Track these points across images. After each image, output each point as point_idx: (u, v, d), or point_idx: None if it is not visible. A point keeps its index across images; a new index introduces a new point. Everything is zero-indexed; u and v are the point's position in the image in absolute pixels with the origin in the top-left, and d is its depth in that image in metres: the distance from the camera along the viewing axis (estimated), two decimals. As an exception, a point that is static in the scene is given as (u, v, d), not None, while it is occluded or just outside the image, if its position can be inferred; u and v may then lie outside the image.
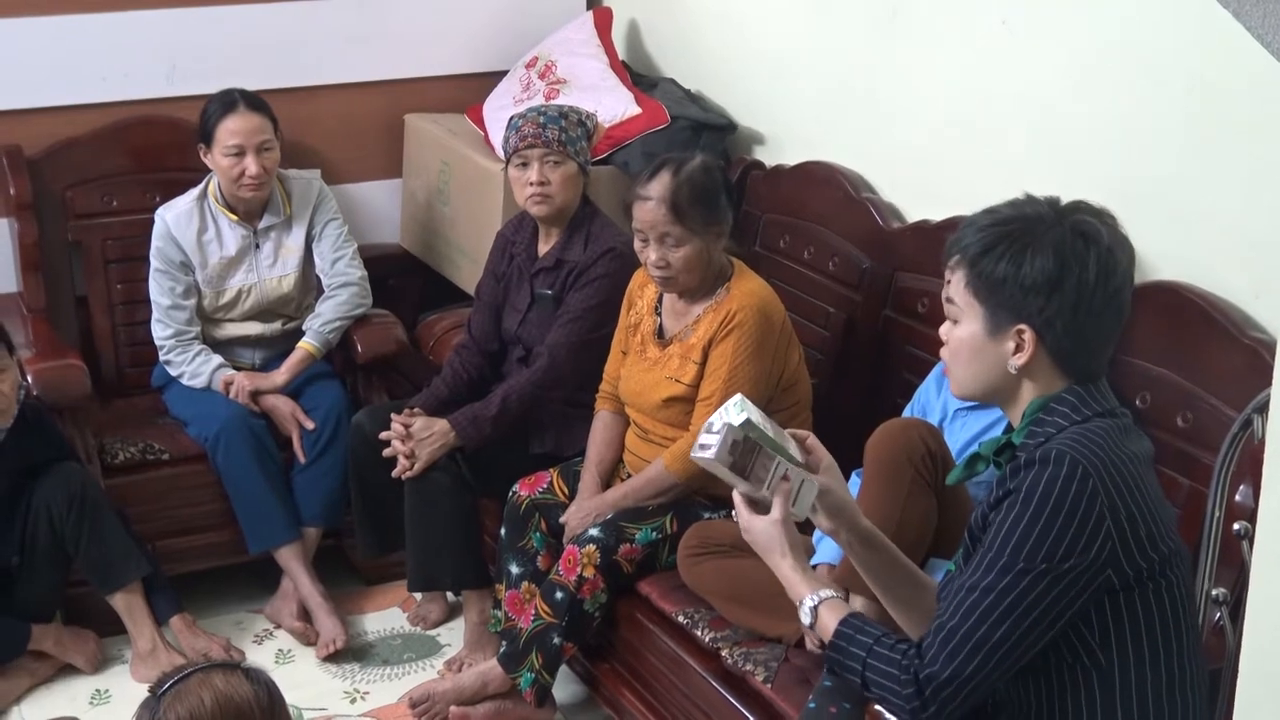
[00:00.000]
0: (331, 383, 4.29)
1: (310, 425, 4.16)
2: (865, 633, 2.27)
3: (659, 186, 3.42)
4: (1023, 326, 2.22)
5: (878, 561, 2.46)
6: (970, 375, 2.31)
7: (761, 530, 2.37)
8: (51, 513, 3.78)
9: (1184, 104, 3.06)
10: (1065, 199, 2.30)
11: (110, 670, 3.95)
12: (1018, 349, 2.23)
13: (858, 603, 2.93)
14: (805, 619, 2.35)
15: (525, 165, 3.83)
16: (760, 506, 2.38)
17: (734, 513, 2.39)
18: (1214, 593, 2.64)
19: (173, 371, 4.23)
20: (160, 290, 4.21)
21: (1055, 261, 2.18)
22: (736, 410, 2.37)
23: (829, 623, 2.31)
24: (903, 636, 2.25)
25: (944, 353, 2.36)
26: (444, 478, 3.85)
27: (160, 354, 4.24)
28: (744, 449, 2.33)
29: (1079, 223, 2.21)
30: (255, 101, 4.17)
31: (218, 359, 4.23)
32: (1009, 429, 2.32)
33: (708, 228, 3.43)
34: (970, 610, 2.16)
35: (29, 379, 3.88)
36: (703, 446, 2.35)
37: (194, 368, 4.20)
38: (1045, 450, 2.17)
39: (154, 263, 4.22)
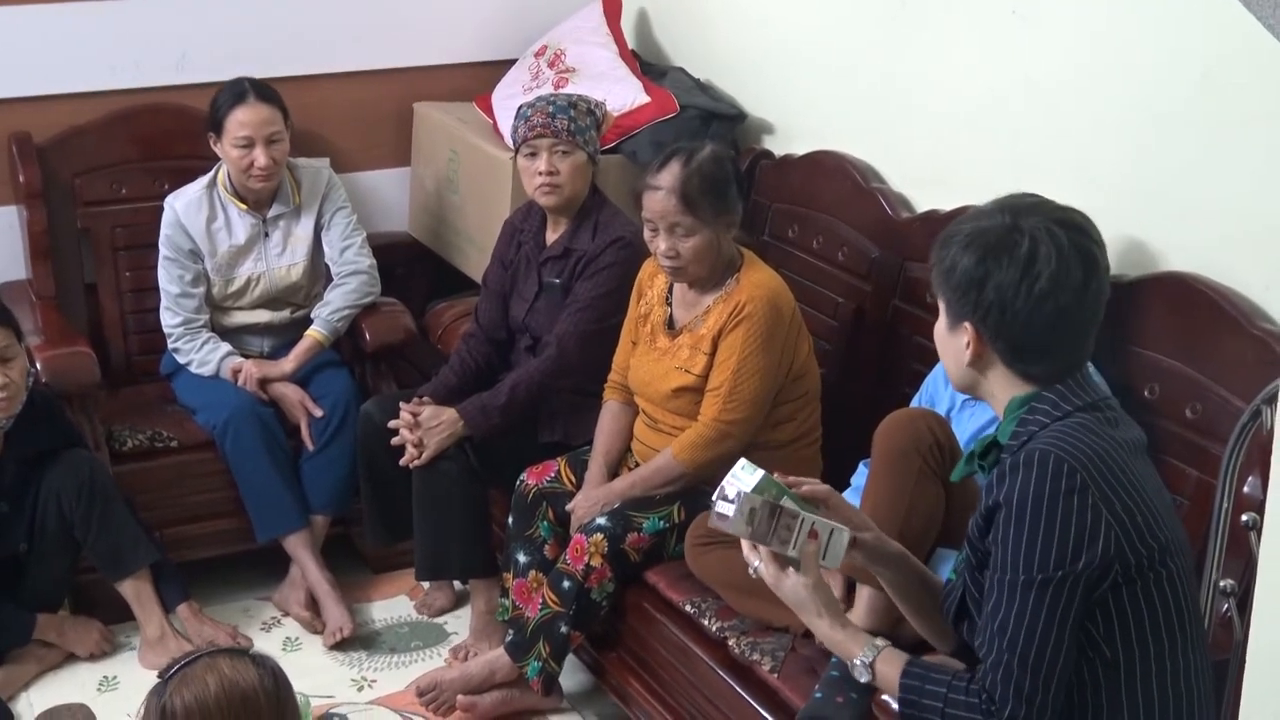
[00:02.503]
0: (339, 371, 4.29)
1: (319, 413, 4.16)
2: (933, 681, 2.26)
3: (669, 176, 3.42)
4: (966, 323, 2.25)
5: (901, 579, 2.47)
6: (947, 366, 2.37)
7: (792, 590, 2.37)
8: (61, 500, 3.79)
9: (1195, 94, 3.05)
10: (1060, 196, 2.31)
11: (118, 657, 3.95)
12: (967, 344, 2.26)
13: (864, 593, 2.94)
14: (861, 677, 2.34)
15: (534, 155, 3.82)
16: (789, 561, 2.37)
17: (758, 567, 2.38)
18: (1222, 584, 2.64)
19: (181, 359, 4.24)
20: (169, 278, 4.21)
21: (976, 261, 2.21)
22: (748, 473, 2.34)
23: (891, 676, 2.31)
24: (970, 678, 2.24)
25: None
26: (453, 467, 3.85)
27: (169, 342, 4.25)
28: (763, 514, 2.31)
29: (1016, 225, 2.22)
30: (265, 92, 4.16)
31: (226, 347, 4.23)
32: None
33: (718, 218, 3.42)
34: (1014, 642, 2.16)
35: (38, 366, 3.89)
36: (720, 516, 2.33)
37: (202, 355, 4.21)
38: (1028, 452, 2.17)
39: (163, 250, 4.22)
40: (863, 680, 2.35)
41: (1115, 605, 2.18)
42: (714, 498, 2.35)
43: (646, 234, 3.48)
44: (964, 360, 2.28)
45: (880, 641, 2.36)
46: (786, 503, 2.34)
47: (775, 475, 2.37)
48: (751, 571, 2.41)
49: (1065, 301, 2.21)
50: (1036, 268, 2.19)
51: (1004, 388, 2.28)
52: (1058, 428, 2.20)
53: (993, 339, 2.23)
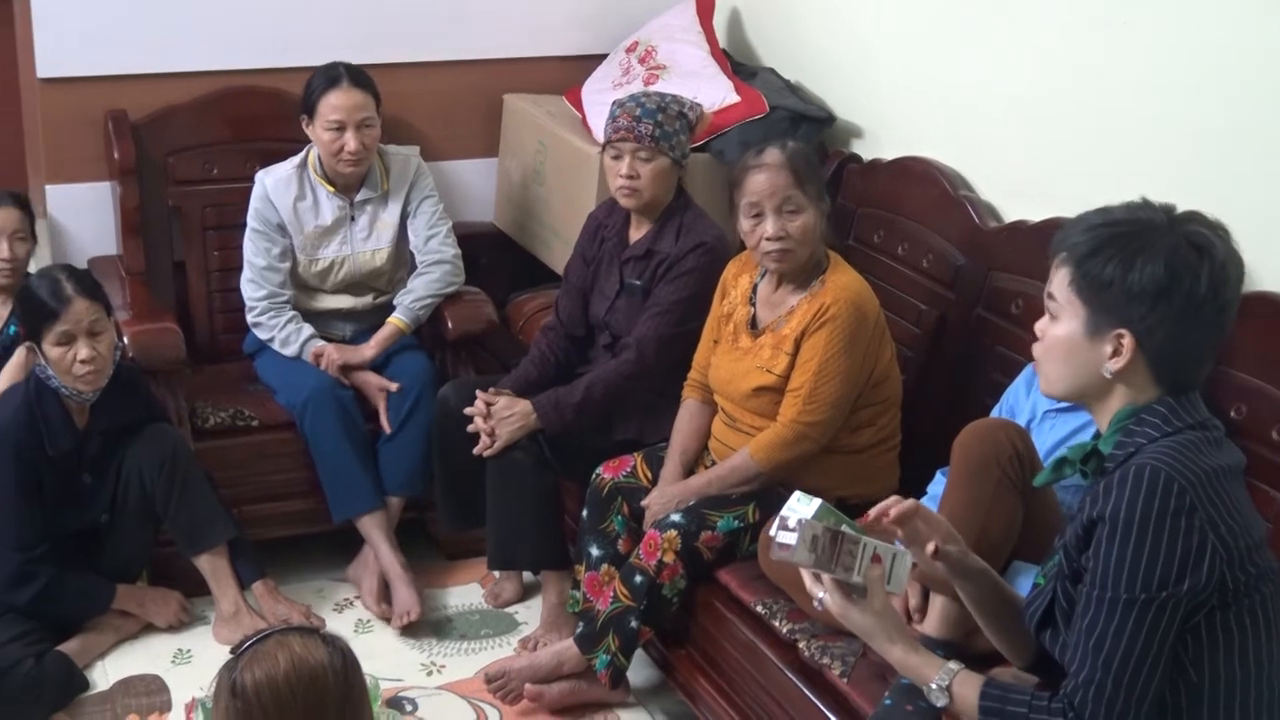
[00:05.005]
0: (417, 354, 4.30)
1: (394, 386, 4.17)
2: (1012, 701, 2.25)
3: (774, 155, 3.43)
4: (1123, 331, 2.19)
5: (982, 593, 2.45)
6: (1062, 374, 2.29)
7: (861, 620, 2.36)
8: (143, 474, 3.83)
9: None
10: (1179, 207, 2.27)
11: (193, 630, 3.99)
12: (1115, 353, 2.20)
13: (938, 602, 2.92)
14: (938, 702, 2.33)
15: (618, 157, 3.83)
16: (854, 589, 2.37)
17: (824, 597, 2.38)
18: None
19: (262, 335, 4.27)
20: (256, 250, 4.25)
21: (1166, 270, 2.15)
22: (804, 503, 2.33)
23: (969, 698, 2.29)
24: (1051, 695, 2.22)
25: (1037, 349, 2.34)
26: (526, 458, 3.86)
27: (250, 316, 4.27)
28: (825, 541, 2.30)
29: (1193, 233, 2.18)
30: (360, 78, 4.19)
31: (309, 329, 4.26)
32: (1097, 435, 2.30)
33: (819, 200, 3.44)
34: (1110, 659, 2.14)
35: (125, 341, 3.94)
36: (781, 546, 2.32)
37: (285, 335, 4.24)
38: (1137, 467, 2.13)
39: (251, 223, 4.25)
40: (940, 704, 2.33)
41: (1207, 629, 2.15)
42: (773, 530, 2.34)
43: (746, 224, 3.45)
44: (1105, 369, 2.21)
45: (954, 664, 2.34)
46: (846, 529, 2.33)
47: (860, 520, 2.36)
48: (816, 604, 2.40)
49: (1233, 314, 2.20)
50: (1225, 279, 2.16)
51: (1128, 399, 2.23)
52: (1166, 444, 2.16)
53: (1160, 347, 2.18)
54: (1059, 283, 2.26)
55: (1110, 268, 2.18)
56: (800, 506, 2.32)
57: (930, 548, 2.38)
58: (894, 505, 2.40)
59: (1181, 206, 2.26)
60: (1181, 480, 2.10)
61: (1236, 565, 2.13)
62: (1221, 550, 2.11)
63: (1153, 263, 2.16)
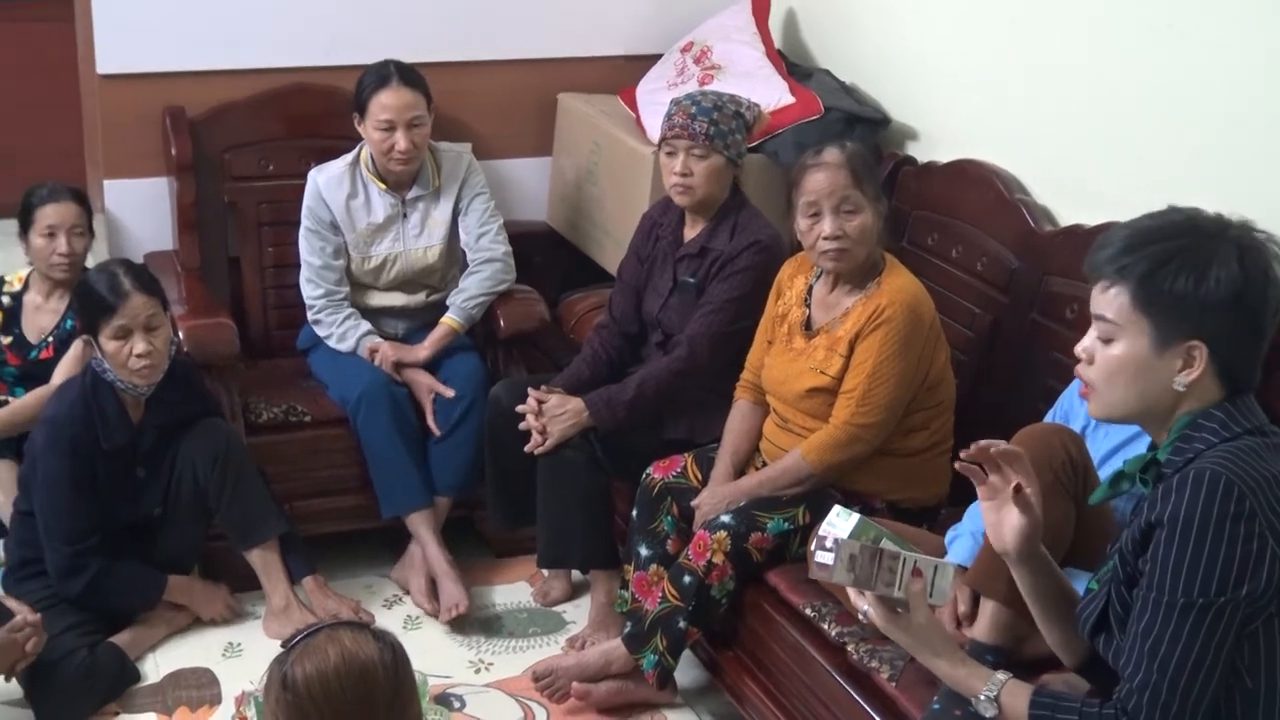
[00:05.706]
0: (470, 356, 4.31)
1: (449, 393, 4.18)
2: (1063, 709, 2.24)
3: (833, 155, 3.42)
4: (1195, 342, 2.17)
5: (1042, 583, 2.44)
6: (1128, 395, 2.24)
7: (904, 634, 2.36)
8: (196, 468, 3.86)
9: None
10: (1212, 210, 2.25)
11: (244, 624, 4.02)
12: (1185, 365, 2.18)
13: (988, 607, 2.90)
14: (987, 712, 2.32)
15: (673, 154, 3.83)
16: (897, 603, 2.36)
17: (867, 611, 2.37)
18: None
19: (321, 332, 4.29)
20: (311, 249, 4.27)
21: (1241, 274, 2.14)
22: (843, 519, 2.33)
23: (1018, 708, 2.28)
24: (1101, 703, 2.21)
25: (1087, 371, 2.29)
26: (577, 456, 3.87)
27: (309, 314, 4.30)
28: (863, 559, 2.30)
29: (1244, 237, 2.17)
30: (410, 76, 4.20)
31: (366, 325, 4.28)
32: (1153, 445, 2.28)
33: (877, 201, 3.43)
34: (1166, 662, 2.12)
35: (180, 336, 3.96)
36: (821, 565, 2.32)
37: (342, 331, 4.26)
38: (1197, 471, 2.12)
39: (305, 222, 4.28)
40: (989, 715, 2.32)
41: (1265, 636, 2.14)
42: (813, 547, 2.34)
43: (804, 224, 3.44)
44: (1177, 383, 2.19)
45: (1002, 675, 2.33)
46: (886, 544, 2.32)
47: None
48: (861, 616, 2.40)
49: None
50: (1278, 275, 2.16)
51: (1189, 409, 2.21)
52: (1225, 449, 2.15)
53: (1229, 353, 2.17)
54: (1114, 304, 2.22)
55: (1182, 281, 2.16)
56: (839, 523, 2.32)
57: (1014, 483, 2.34)
58: (1000, 443, 2.37)
59: (1232, 211, 2.24)
60: (1242, 485, 2.09)
61: None
62: None
63: (1226, 268, 2.14)
